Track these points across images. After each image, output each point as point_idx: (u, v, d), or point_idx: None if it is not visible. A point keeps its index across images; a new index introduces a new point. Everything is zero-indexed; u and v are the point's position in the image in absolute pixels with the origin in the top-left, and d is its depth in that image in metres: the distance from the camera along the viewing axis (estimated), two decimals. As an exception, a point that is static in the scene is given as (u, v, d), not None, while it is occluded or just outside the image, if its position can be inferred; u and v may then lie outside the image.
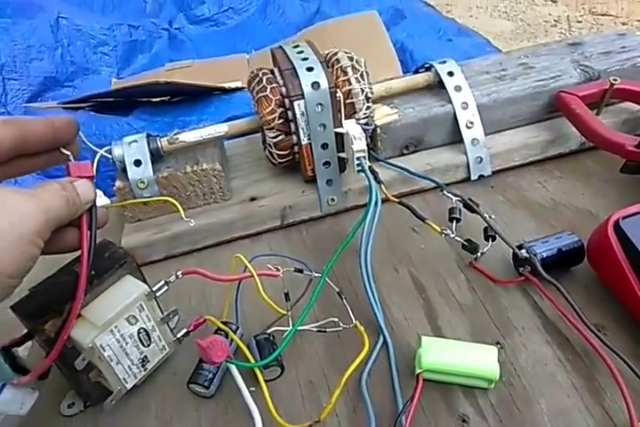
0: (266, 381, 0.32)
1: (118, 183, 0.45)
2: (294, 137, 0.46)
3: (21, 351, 0.31)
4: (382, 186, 0.45)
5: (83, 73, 1.47)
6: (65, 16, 1.51)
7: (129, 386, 0.33)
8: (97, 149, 0.43)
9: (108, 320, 0.30)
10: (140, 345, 0.32)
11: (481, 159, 0.51)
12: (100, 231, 0.31)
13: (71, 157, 0.32)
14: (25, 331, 0.31)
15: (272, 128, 0.46)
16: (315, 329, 0.37)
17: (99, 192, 0.32)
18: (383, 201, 0.42)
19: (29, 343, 0.32)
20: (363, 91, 0.46)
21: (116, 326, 0.30)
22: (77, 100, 1.10)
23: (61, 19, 1.50)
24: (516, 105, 0.52)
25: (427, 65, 0.54)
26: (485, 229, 0.42)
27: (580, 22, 1.68)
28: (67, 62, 1.45)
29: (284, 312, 0.36)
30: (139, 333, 0.32)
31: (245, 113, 1.05)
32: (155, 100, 1.17)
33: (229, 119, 1.02)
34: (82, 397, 0.34)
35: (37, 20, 1.46)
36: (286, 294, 0.37)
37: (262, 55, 1.54)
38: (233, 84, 1.12)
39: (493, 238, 0.41)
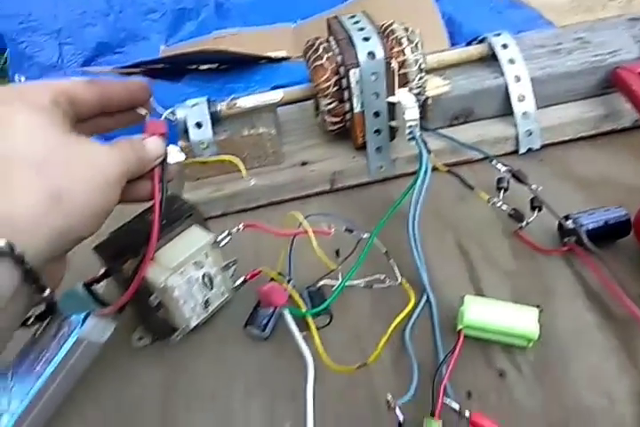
0: (316, 328, 0.35)
1: (181, 143, 0.47)
2: (347, 105, 0.47)
3: (97, 289, 0.35)
4: (431, 155, 0.46)
5: (133, 39, 1.50)
6: (117, -17, 1.53)
7: (192, 325, 0.36)
8: (161, 111, 0.46)
9: (178, 263, 0.32)
10: (204, 288, 0.35)
11: (531, 132, 0.51)
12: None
13: (147, 116, 0.35)
14: (102, 270, 0.34)
15: (326, 95, 0.47)
16: (362, 285, 0.39)
17: (176, 148, 0.34)
18: (432, 170, 0.43)
19: (104, 282, 0.35)
20: (416, 61, 0.47)
21: (184, 270, 0.33)
22: (130, 66, 1.13)
23: (114, -15, 1.52)
24: (571, 80, 0.52)
25: (480, 37, 0.54)
26: (532, 200, 0.43)
27: (642, -3, 1.60)
28: (118, 29, 1.47)
29: (335, 267, 0.38)
30: (203, 277, 0.35)
31: (291, 82, 1.06)
32: (203, 67, 1.20)
33: (275, 87, 1.04)
34: (150, 332, 0.38)
35: (91, -15, 1.49)
36: (337, 251, 0.39)
37: (307, 25, 1.53)
38: (280, 54, 1.13)
39: (539, 209, 0.42)
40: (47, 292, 0.25)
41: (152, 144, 0.32)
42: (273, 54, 1.09)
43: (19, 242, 0.22)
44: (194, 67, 1.20)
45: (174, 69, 1.16)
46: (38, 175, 0.25)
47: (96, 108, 0.31)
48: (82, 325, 0.30)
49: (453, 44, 1.19)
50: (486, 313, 0.35)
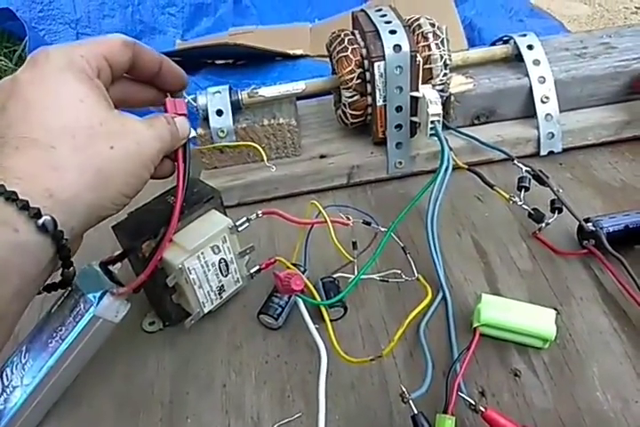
0: (330, 320, 0.35)
1: (200, 131, 0.47)
2: (369, 98, 0.47)
3: (112, 270, 0.34)
4: (452, 153, 0.46)
5: (150, 32, 1.51)
6: (138, -25, 1.54)
7: (206, 310, 0.36)
8: (186, 96, 0.45)
9: (196, 246, 0.32)
10: (220, 274, 0.35)
11: (552, 135, 0.51)
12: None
13: (168, 96, 0.35)
14: (118, 252, 0.34)
15: (349, 88, 0.47)
16: (378, 278, 0.39)
17: None
18: (452, 167, 0.43)
19: (119, 265, 0.35)
20: (442, 57, 0.47)
21: (202, 253, 0.33)
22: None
23: (134, -23, 1.53)
24: (595, 84, 0.51)
25: (505, 38, 0.54)
26: (552, 202, 0.42)
27: (663, 11, 1.59)
28: (136, 21, 1.49)
29: (352, 259, 0.38)
30: (219, 262, 0.34)
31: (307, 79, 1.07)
32: (219, 62, 1.20)
33: (292, 84, 1.04)
34: (162, 317, 0.38)
35: (112, -23, 1.50)
36: (354, 243, 0.39)
37: (325, 25, 1.54)
38: (298, 51, 1.13)
39: (559, 211, 0.42)
40: (72, 268, 0.25)
41: (180, 124, 0.31)
42: (292, 51, 1.10)
43: (58, 217, 0.22)
44: (210, 61, 1.21)
45: (191, 63, 1.16)
46: (81, 151, 0.25)
47: (127, 65, 0.30)
48: (98, 303, 0.30)
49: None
50: (503, 312, 0.35)
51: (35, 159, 0.24)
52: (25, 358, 0.30)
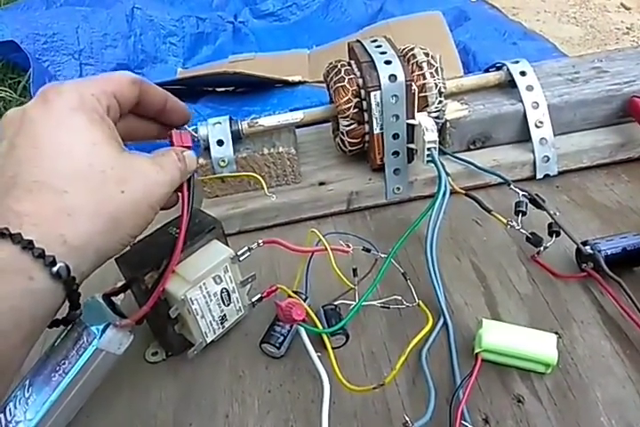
0: (331, 348, 0.35)
1: (201, 161, 0.48)
2: (366, 126, 0.48)
3: (115, 301, 0.35)
4: (449, 178, 0.46)
5: (152, 61, 1.54)
6: (139, 6, 1.58)
7: (208, 340, 0.36)
8: (186, 128, 0.46)
9: (198, 277, 0.33)
10: (222, 304, 0.35)
11: (548, 158, 0.51)
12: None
13: (173, 129, 0.36)
14: (121, 283, 0.35)
15: (347, 117, 0.48)
16: (379, 305, 0.39)
17: None
18: (449, 192, 0.43)
19: (122, 295, 0.35)
20: (436, 85, 0.48)
21: (204, 283, 0.33)
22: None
23: (136, 9, 1.57)
24: (588, 108, 0.52)
25: (498, 64, 0.55)
26: (550, 225, 0.43)
27: (654, 32, 1.62)
28: (138, 51, 1.52)
29: (352, 286, 0.38)
30: (221, 292, 0.35)
31: (306, 106, 1.08)
32: (219, 89, 1.22)
33: (291, 111, 1.06)
34: (165, 347, 0.38)
35: (114, 9, 1.54)
36: (354, 270, 0.39)
37: (323, 51, 1.57)
38: (296, 78, 1.15)
39: (557, 234, 0.42)
40: (79, 311, 0.25)
41: (188, 158, 0.32)
42: (290, 78, 1.11)
43: (71, 263, 0.23)
44: (210, 89, 1.23)
45: (191, 91, 1.18)
46: (94, 196, 0.25)
47: (133, 103, 0.31)
48: (101, 335, 0.30)
49: (467, 72, 1.21)
50: (505, 337, 0.35)
51: (48, 204, 0.24)
52: (28, 392, 0.30)
